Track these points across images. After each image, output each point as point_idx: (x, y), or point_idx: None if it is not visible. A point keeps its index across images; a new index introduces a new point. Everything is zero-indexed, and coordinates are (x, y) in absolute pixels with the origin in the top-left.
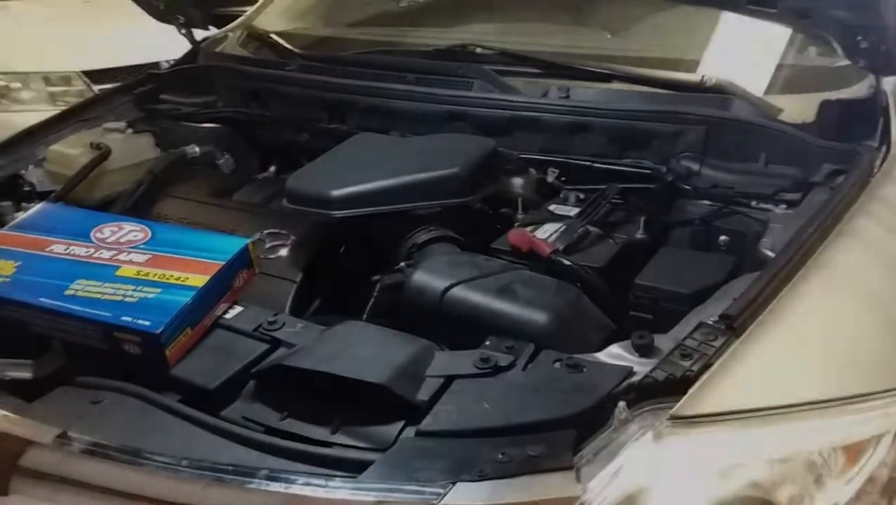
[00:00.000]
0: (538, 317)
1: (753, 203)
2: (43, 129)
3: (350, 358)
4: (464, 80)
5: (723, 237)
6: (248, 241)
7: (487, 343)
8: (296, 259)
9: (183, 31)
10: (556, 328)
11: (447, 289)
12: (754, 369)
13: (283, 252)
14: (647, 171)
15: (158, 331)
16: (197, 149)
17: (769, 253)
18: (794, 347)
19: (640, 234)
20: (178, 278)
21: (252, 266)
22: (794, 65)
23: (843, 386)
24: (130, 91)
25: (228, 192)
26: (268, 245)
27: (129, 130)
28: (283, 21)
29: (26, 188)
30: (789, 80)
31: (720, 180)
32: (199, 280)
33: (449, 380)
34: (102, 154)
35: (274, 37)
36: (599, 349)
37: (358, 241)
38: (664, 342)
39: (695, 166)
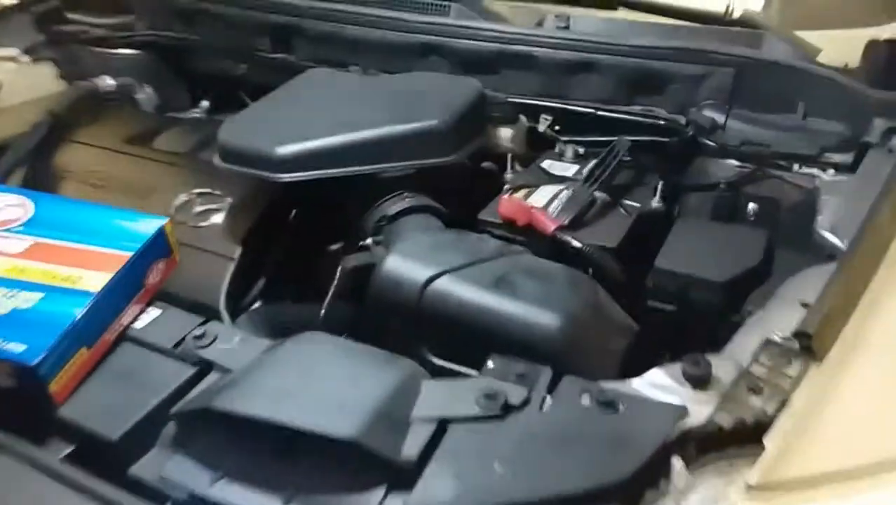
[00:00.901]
0: (548, 320)
1: (795, 166)
2: None
3: (306, 398)
4: (438, 2)
5: (752, 205)
6: (166, 220)
7: (490, 366)
8: (234, 228)
9: None
10: (572, 335)
11: (429, 281)
12: (851, 409)
13: (218, 218)
14: (662, 123)
15: (35, 362)
16: (111, 81)
17: (831, 237)
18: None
19: (656, 203)
20: (67, 278)
21: (172, 254)
22: None
23: None
24: (27, 9)
25: (150, 137)
26: (198, 209)
27: (26, 58)
28: None
29: None
30: (828, 13)
31: (750, 136)
32: (97, 280)
33: (443, 426)
34: None
35: None
36: (622, 362)
37: (312, 206)
38: (721, 367)
39: (720, 118)
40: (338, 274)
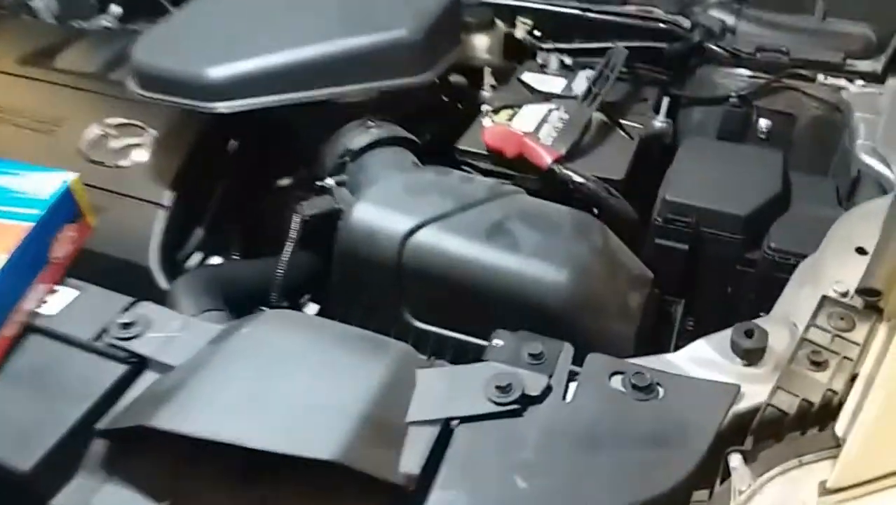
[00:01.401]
0: (555, 275)
1: (819, 76)
2: None
3: (271, 406)
4: None
5: (764, 122)
6: (73, 176)
7: (497, 344)
8: (162, 167)
9: None
10: (583, 291)
11: (411, 232)
12: None
13: (141, 156)
14: (662, 26)
15: None
16: None
17: (877, 165)
18: None
19: (660, 122)
20: None
21: (84, 217)
22: None
23: None
24: None
25: (51, 54)
26: (116, 145)
27: None
28: None
29: None
30: None
31: (764, 40)
32: None
33: (447, 428)
34: None
35: None
36: (640, 317)
37: (256, 136)
38: (773, 333)
39: (729, 19)
40: (294, 224)
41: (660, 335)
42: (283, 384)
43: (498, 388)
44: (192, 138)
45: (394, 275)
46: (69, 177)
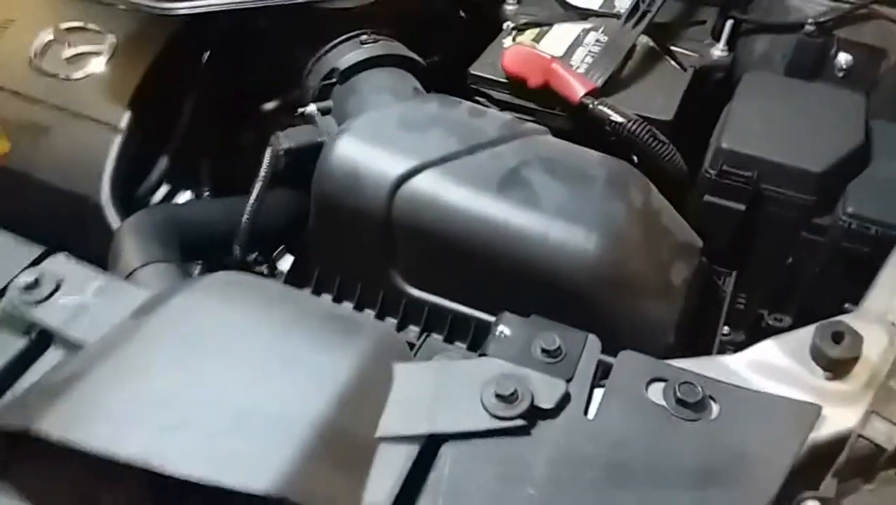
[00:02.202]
0: (583, 242)
1: None
2: None
3: (197, 415)
4: None
5: (845, 56)
6: None
7: (502, 332)
8: (120, 81)
9: None
10: (617, 264)
11: (404, 178)
12: None
13: (97, 66)
14: None
15: None
16: None
17: None
18: None
19: (720, 51)
20: None
21: None
22: None
23: None
24: None
25: None
26: (68, 53)
27: None
28: None
29: None
30: None
31: None
32: None
33: (430, 448)
34: None
35: None
36: (686, 297)
37: (231, 46)
38: (866, 335)
39: None
40: (266, 158)
41: (705, 314)
42: (212, 383)
43: (499, 396)
44: (157, 46)
45: (382, 230)
46: None
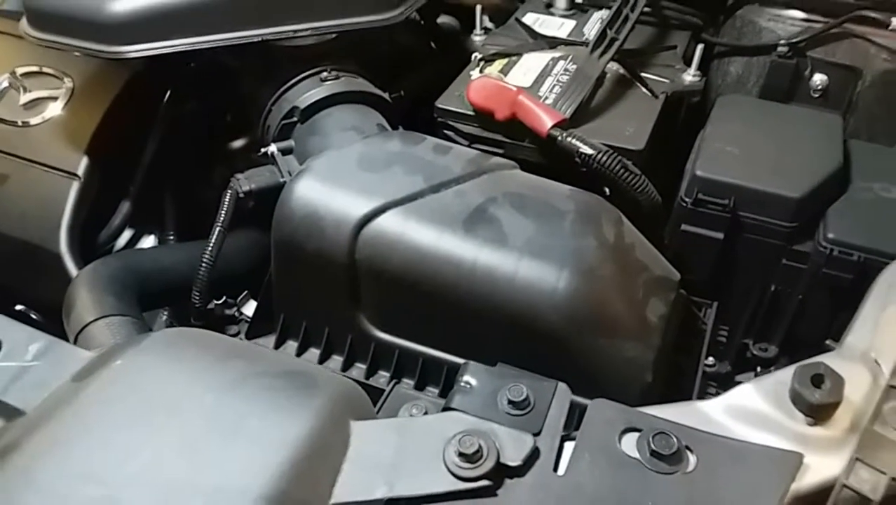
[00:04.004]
0: (553, 280)
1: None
2: None
3: (131, 495)
4: None
5: (819, 77)
6: None
7: (467, 384)
8: (78, 126)
9: None
10: (589, 302)
11: (366, 219)
12: None
13: (55, 110)
14: None
15: None
16: None
17: None
18: None
19: (691, 76)
20: None
21: None
22: None
23: None
24: None
25: None
26: (25, 98)
27: None
28: None
29: None
30: None
31: None
32: None
33: None
34: None
35: None
36: (663, 336)
37: (193, 86)
38: (847, 375)
39: None
40: (225, 201)
41: (687, 347)
42: (149, 454)
43: (462, 455)
44: (116, 89)
45: (346, 273)
46: None
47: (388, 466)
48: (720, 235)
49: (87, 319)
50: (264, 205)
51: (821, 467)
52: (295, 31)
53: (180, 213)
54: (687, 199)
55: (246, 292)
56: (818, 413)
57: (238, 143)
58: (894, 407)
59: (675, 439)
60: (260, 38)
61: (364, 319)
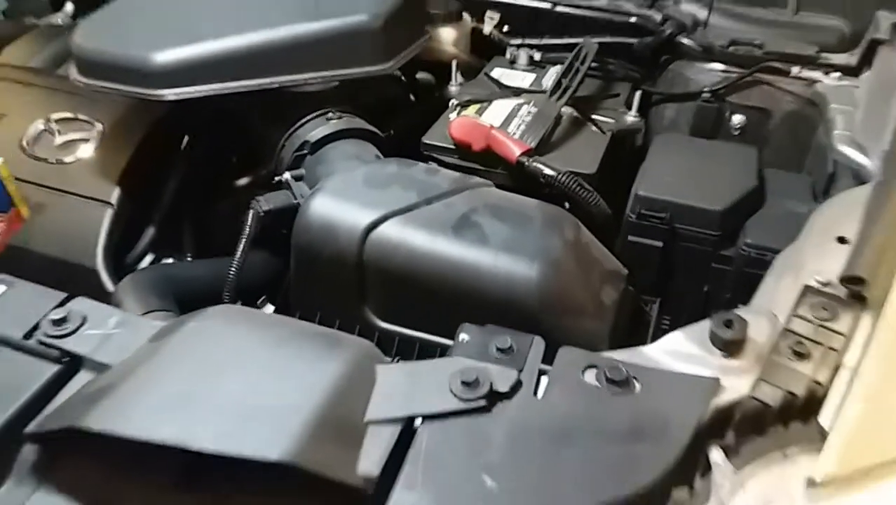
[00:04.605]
0: (525, 270)
1: (792, 69)
2: None
3: (216, 405)
4: None
5: (737, 117)
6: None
7: (463, 339)
8: (109, 162)
9: None
10: (555, 287)
11: (372, 226)
12: None
13: (87, 151)
14: (633, 20)
15: None
16: None
17: (856, 155)
18: None
19: (632, 118)
20: None
21: (14, 206)
22: None
23: None
24: None
25: None
26: (60, 140)
27: None
28: None
29: None
30: None
31: (737, 34)
32: None
33: (410, 427)
34: None
35: None
36: (615, 314)
37: (209, 130)
38: (754, 324)
39: (701, 12)
40: (248, 220)
41: (635, 335)
42: (229, 382)
43: (464, 383)
44: (141, 132)
45: (354, 272)
46: None
47: (406, 394)
48: (660, 244)
49: (136, 313)
50: (279, 222)
51: (734, 388)
52: (307, 79)
53: (195, 239)
54: (632, 215)
55: (264, 297)
56: (730, 348)
57: (243, 181)
58: (787, 344)
59: (624, 371)
60: (278, 85)
61: (369, 311)
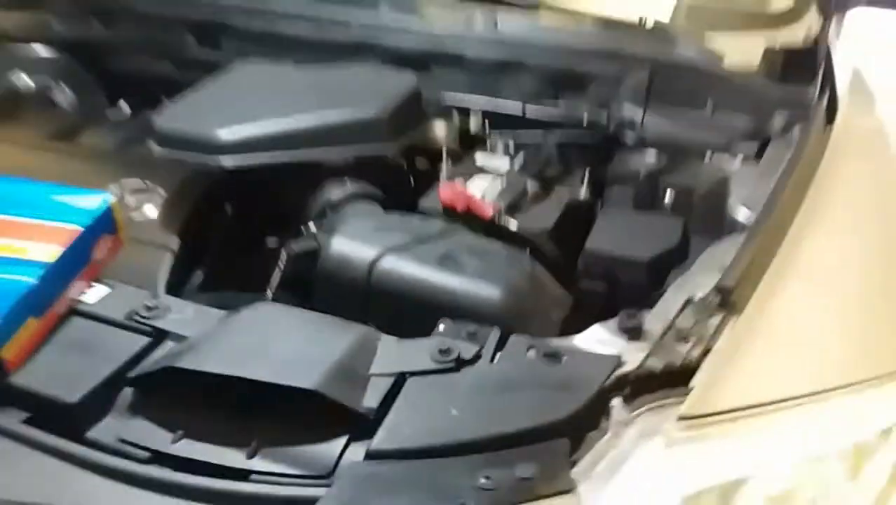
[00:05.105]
0: (491, 292)
1: (707, 155)
2: None
3: (265, 355)
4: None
5: (669, 194)
6: (112, 197)
7: (441, 328)
8: (169, 219)
9: None
10: (513, 304)
11: (377, 259)
12: (766, 352)
13: (152, 210)
14: (585, 120)
15: None
16: (27, 79)
17: (743, 213)
18: (807, 325)
19: (583, 192)
20: (17, 249)
21: (118, 231)
22: (734, 6)
23: (877, 366)
24: None
25: (72, 136)
26: (131, 201)
27: None
28: None
29: None
30: (732, 21)
31: (666, 130)
32: (47, 252)
33: (401, 379)
34: None
35: None
36: (559, 328)
37: (249, 196)
38: (651, 322)
39: (637, 114)
40: (282, 259)
41: None
42: (274, 342)
43: (440, 351)
44: (195, 197)
45: (363, 294)
46: (110, 198)
47: (399, 358)
48: (604, 287)
49: None
50: (305, 263)
51: (632, 361)
52: (329, 154)
53: (235, 284)
54: (582, 265)
55: None
56: (631, 334)
57: (272, 241)
58: (672, 333)
59: (555, 349)
60: (311, 158)
61: (372, 325)
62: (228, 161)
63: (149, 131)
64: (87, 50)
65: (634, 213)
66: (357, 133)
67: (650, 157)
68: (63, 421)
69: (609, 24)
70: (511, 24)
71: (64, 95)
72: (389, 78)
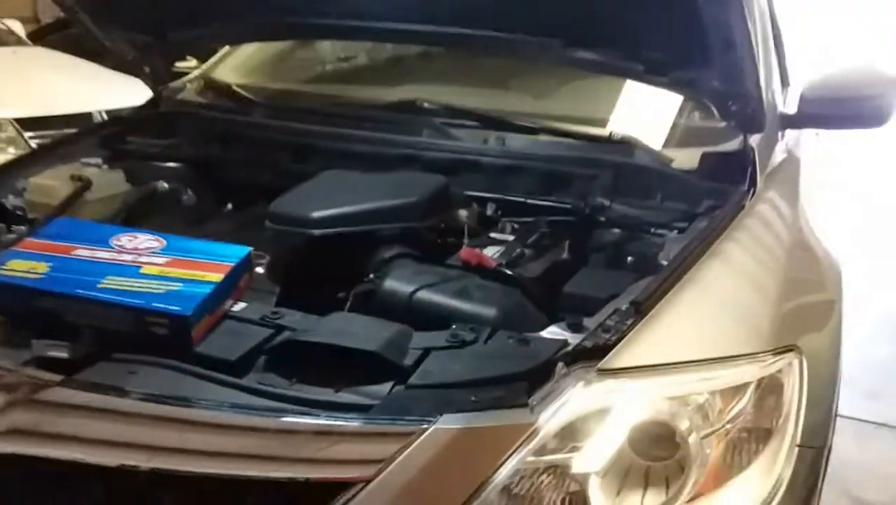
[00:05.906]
0: (489, 311)
1: (653, 230)
2: (14, 166)
3: (347, 334)
4: (415, 128)
5: (630, 258)
6: (250, 249)
7: (454, 327)
8: (273, 274)
9: (148, 81)
10: (503, 320)
11: (414, 291)
12: (654, 339)
13: (260, 270)
14: (569, 206)
15: (188, 313)
16: (165, 184)
17: (665, 262)
18: (681, 324)
19: (564, 255)
20: (196, 275)
21: (251, 271)
22: (681, 124)
23: (715, 350)
24: (94, 134)
25: (195, 223)
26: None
27: (105, 166)
28: (235, 75)
29: (17, 213)
30: (678, 136)
31: (627, 213)
32: (215, 277)
33: (426, 351)
34: (84, 185)
35: (235, 87)
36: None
37: (328, 260)
38: (590, 323)
39: (606, 202)
40: (351, 297)
41: None
42: (353, 328)
43: (451, 335)
44: (289, 262)
45: (406, 315)
46: (249, 249)
47: (426, 341)
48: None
49: None
50: (367, 300)
51: (572, 343)
52: (385, 227)
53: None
54: (561, 301)
55: None
56: (574, 329)
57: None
58: (601, 328)
59: (525, 337)
60: (373, 230)
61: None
62: (318, 231)
63: (264, 215)
64: (207, 164)
65: (604, 270)
66: (402, 214)
67: (616, 231)
68: (226, 372)
69: (585, 138)
70: (515, 141)
71: (188, 197)
72: (425, 178)
